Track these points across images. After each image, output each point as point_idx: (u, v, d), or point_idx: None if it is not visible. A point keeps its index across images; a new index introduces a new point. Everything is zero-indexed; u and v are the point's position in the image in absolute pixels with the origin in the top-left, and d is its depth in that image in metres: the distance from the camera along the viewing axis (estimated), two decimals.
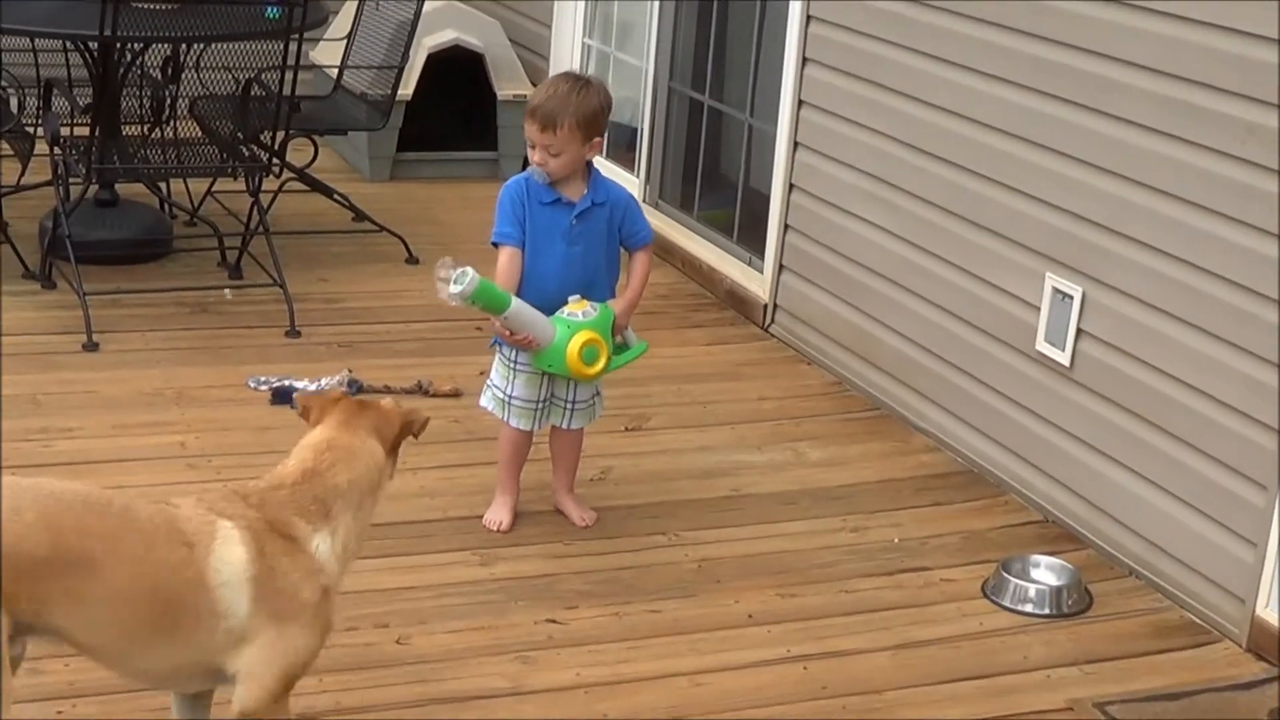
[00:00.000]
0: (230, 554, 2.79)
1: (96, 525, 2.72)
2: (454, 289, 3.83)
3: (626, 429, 4.93)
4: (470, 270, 3.85)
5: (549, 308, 4.06)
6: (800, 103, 5.60)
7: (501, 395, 4.22)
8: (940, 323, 4.97)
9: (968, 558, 4.32)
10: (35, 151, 5.90)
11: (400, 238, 6.35)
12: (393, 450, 3.08)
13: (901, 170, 5.11)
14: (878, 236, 5.24)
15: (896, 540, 4.40)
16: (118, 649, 2.81)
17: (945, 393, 4.96)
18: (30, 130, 5.94)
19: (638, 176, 6.82)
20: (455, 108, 7.44)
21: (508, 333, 4.04)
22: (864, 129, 5.28)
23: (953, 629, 3.98)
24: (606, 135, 4.25)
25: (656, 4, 6.71)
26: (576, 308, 4.06)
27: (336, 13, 7.14)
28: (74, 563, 2.68)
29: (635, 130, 6.91)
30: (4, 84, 5.98)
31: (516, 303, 3.98)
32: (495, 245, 4.12)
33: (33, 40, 6.01)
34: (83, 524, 2.71)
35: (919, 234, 5.04)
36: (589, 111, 4.02)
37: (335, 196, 6.55)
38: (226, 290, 5.61)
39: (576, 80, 4.11)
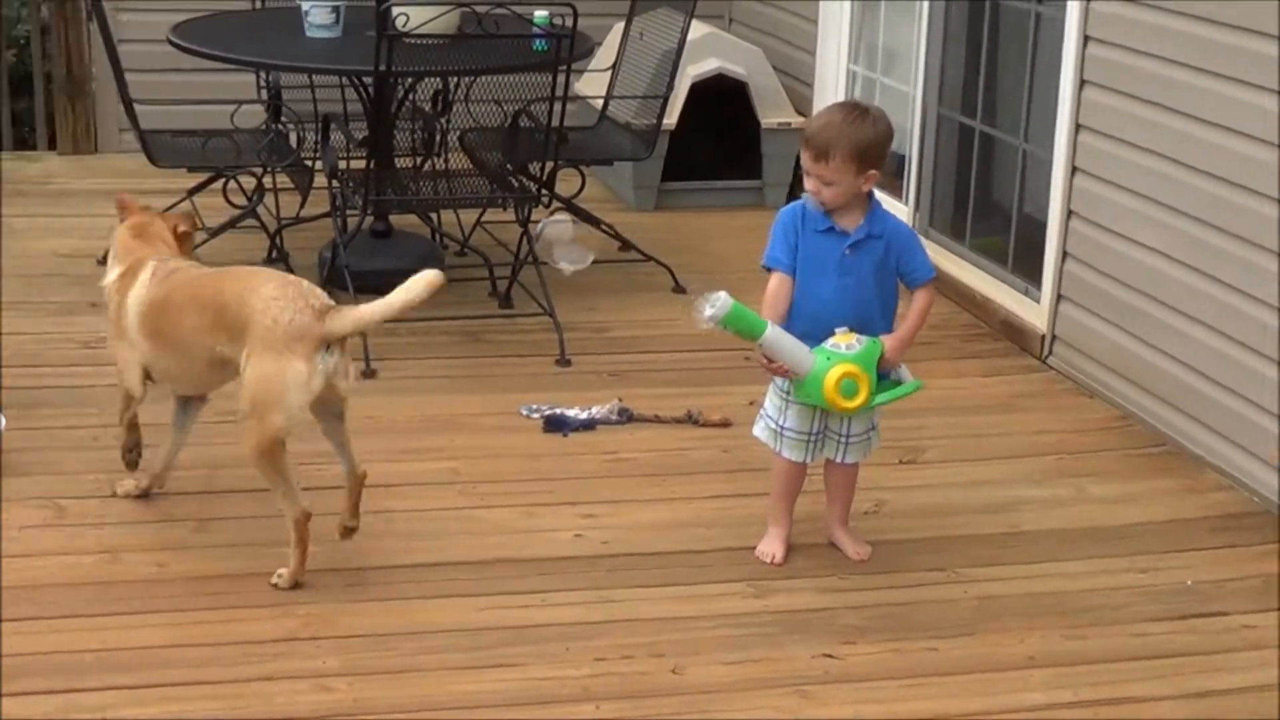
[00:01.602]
0: None
1: None
2: (707, 312, 3.81)
3: (900, 462, 4.81)
4: (724, 294, 3.82)
5: (821, 337, 3.98)
6: (1079, 126, 5.42)
7: (774, 426, 4.15)
8: (1229, 353, 4.74)
9: (1269, 603, 4.08)
10: (314, 184, 6.06)
11: (667, 267, 6.34)
12: None
13: (1186, 194, 4.89)
14: (1162, 264, 5.02)
15: (1190, 583, 4.19)
16: None
17: (1238, 428, 4.72)
18: (309, 164, 6.11)
19: (907, 204, 6.69)
20: (719, 136, 7.42)
21: (765, 360, 3.97)
22: (1148, 153, 5.07)
23: (1253, 678, 3.76)
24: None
25: (925, 29, 6.59)
26: (841, 340, 3.97)
27: (601, 44, 7.19)
28: None
29: (903, 157, 6.78)
30: (285, 120, 6.16)
31: (773, 330, 3.91)
32: (766, 269, 4.07)
33: (311, 77, 6.18)
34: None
35: (1205, 260, 4.82)
36: (863, 144, 3.90)
37: (602, 226, 6.57)
38: None
39: (853, 110, 3.99)
